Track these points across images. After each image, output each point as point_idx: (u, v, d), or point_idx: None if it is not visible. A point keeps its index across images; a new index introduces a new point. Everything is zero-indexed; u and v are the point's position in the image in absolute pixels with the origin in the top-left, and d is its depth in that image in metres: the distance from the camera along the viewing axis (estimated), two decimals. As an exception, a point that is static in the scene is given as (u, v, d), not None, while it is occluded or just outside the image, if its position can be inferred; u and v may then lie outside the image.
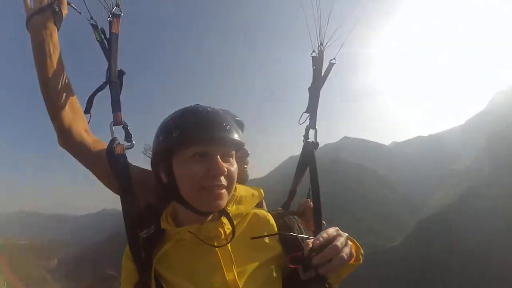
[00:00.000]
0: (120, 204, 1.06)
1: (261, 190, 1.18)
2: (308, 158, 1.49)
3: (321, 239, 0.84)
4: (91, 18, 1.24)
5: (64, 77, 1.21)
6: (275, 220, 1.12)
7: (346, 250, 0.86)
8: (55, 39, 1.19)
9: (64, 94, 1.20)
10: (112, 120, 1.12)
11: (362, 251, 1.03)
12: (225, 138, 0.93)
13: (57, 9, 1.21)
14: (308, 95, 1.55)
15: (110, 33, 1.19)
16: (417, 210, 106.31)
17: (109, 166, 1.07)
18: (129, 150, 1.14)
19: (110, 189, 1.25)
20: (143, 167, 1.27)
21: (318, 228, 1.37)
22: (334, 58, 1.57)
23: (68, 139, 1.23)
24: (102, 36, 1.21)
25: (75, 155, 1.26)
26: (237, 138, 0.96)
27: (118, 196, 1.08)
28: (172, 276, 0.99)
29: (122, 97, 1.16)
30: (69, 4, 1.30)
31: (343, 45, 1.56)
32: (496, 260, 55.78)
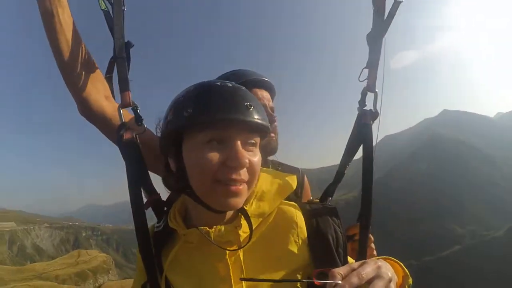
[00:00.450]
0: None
1: (294, 178, 0.95)
2: (362, 132, 1.14)
3: (354, 280, 0.62)
4: None
5: (78, 44, 1.05)
6: (305, 220, 0.89)
7: None
8: (64, 2, 1.01)
9: (80, 61, 1.05)
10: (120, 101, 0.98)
11: (410, 281, 0.87)
12: (247, 121, 0.74)
13: None
14: (368, 46, 1.16)
15: None
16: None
17: (121, 155, 0.94)
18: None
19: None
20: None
21: (362, 244, 1.08)
22: None
23: (86, 108, 1.10)
24: (107, 2, 1.05)
25: (94, 123, 1.14)
26: (262, 121, 0.77)
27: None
28: (180, 281, 0.86)
29: (131, 74, 1.01)
30: None
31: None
32: None
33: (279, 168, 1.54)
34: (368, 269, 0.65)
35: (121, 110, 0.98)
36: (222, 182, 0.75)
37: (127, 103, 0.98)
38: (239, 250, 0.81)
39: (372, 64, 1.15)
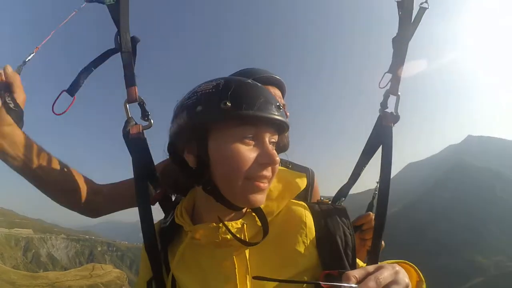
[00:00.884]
0: None
1: (304, 178, 0.95)
2: (383, 133, 1.14)
3: (371, 284, 0.59)
4: None
5: (49, 167, 0.98)
6: (314, 221, 0.87)
7: None
8: (19, 139, 0.92)
9: (60, 181, 1.01)
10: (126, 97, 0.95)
11: (424, 286, 0.81)
12: (279, 121, 0.76)
13: (12, 105, 0.92)
14: (392, 50, 1.18)
15: None
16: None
17: (128, 150, 0.92)
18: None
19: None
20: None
21: (375, 246, 1.05)
22: (426, 1, 1.19)
23: (93, 212, 1.15)
24: None
25: (106, 213, 1.19)
26: (288, 123, 0.81)
27: None
28: (187, 279, 0.84)
29: (136, 69, 0.98)
30: None
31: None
32: None
33: (289, 166, 1.54)
34: (386, 274, 0.62)
35: (127, 105, 0.96)
36: (252, 179, 0.75)
37: (133, 98, 0.96)
38: (245, 249, 0.80)
39: (396, 68, 1.17)
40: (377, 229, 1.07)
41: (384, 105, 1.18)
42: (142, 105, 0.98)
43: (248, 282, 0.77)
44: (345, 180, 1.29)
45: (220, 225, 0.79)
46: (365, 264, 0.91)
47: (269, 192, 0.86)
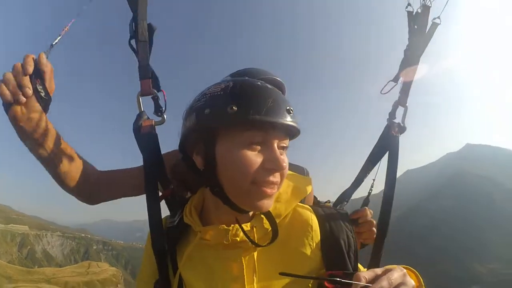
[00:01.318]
0: None
1: (309, 182, 0.96)
2: (390, 142, 1.19)
3: (384, 284, 0.62)
4: None
5: (66, 158, 1.00)
6: (319, 224, 0.89)
7: None
8: (43, 125, 0.92)
9: (73, 175, 1.03)
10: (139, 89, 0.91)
11: None
12: (289, 126, 0.74)
13: (43, 94, 0.92)
14: (401, 61, 1.20)
15: None
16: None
17: (138, 146, 0.90)
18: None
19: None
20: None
21: (377, 249, 1.09)
22: (439, 17, 1.18)
23: (95, 199, 1.16)
24: None
25: (109, 200, 1.20)
26: (298, 127, 0.78)
27: None
28: (194, 280, 0.85)
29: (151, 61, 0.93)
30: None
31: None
32: None
33: None
34: (396, 275, 0.65)
35: (140, 98, 0.93)
36: (258, 184, 0.74)
37: (146, 91, 0.92)
38: (254, 251, 0.81)
39: (407, 80, 1.20)
40: (380, 234, 1.10)
41: (392, 115, 1.23)
42: (156, 99, 0.94)
43: (255, 284, 0.79)
44: (343, 185, 1.34)
45: (231, 227, 0.80)
46: (365, 269, 0.92)
47: (278, 194, 0.86)
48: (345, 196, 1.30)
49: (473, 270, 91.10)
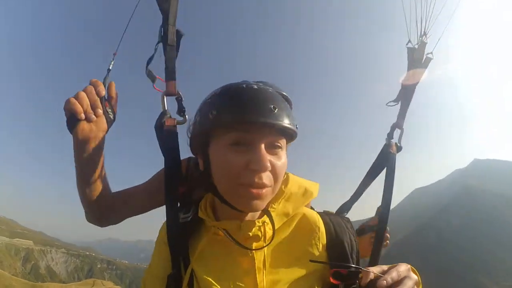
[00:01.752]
0: None
1: (317, 187, 1.00)
2: (387, 159, 1.30)
3: (389, 280, 0.68)
4: None
5: (100, 178, 1.04)
6: (325, 225, 0.94)
7: None
8: (103, 144, 1.01)
9: (96, 193, 1.05)
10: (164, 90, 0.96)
11: None
12: (271, 123, 0.73)
13: (111, 116, 1.03)
14: (401, 88, 1.38)
15: None
16: None
17: (158, 142, 0.92)
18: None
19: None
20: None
21: (375, 253, 1.19)
22: (431, 53, 1.36)
23: (104, 222, 1.17)
24: None
25: (122, 219, 1.21)
26: (288, 125, 0.77)
27: None
28: (205, 274, 0.86)
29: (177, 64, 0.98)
30: None
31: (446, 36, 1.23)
32: None
33: None
34: (402, 269, 0.73)
35: (164, 98, 0.97)
36: (244, 185, 0.75)
37: (171, 92, 0.96)
38: (264, 246, 0.84)
39: (403, 105, 1.37)
40: (377, 239, 1.21)
41: (390, 135, 1.36)
42: (179, 100, 0.98)
43: (264, 277, 0.83)
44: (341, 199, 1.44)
45: (243, 222, 0.83)
46: None
47: (289, 195, 0.92)
48: (344, 208, 1.40)
49: (484, 287, 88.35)
